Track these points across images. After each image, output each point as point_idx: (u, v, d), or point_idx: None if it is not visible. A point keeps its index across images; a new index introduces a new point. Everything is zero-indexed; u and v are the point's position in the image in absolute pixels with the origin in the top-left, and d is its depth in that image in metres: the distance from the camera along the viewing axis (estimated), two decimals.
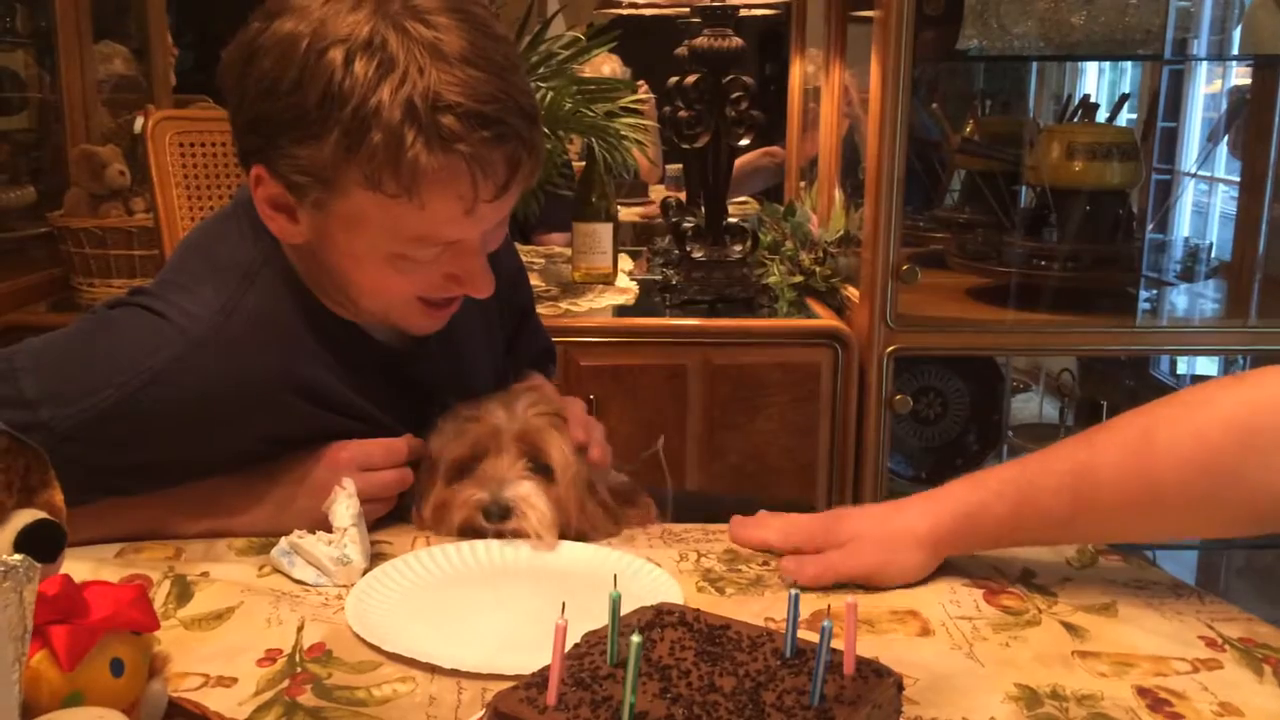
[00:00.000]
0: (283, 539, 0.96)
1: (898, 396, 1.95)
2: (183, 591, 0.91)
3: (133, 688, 0.58)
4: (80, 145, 2.17)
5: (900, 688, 0.65)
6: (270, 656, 0.81)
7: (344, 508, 0.95)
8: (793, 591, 0.65)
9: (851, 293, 2.08)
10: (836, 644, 0.64)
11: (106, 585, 0.60)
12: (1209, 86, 2.91)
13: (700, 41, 1.99)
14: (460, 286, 1.01)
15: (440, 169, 0.90)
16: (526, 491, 1.01)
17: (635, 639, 0.57)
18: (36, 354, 0.99)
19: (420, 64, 0.89)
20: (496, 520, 1.00)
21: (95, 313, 1.05)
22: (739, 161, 2.36)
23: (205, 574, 0.94)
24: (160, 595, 0.90)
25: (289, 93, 0.90)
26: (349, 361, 1.06)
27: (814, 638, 0.63)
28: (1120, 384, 2.44)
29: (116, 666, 0.57)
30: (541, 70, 1.98)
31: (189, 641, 0.83)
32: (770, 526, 1.02)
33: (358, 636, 0.83)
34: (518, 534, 1.01)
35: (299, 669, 0.79)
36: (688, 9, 2.05)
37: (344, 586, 0.92)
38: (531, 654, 0.69)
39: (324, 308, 1.05)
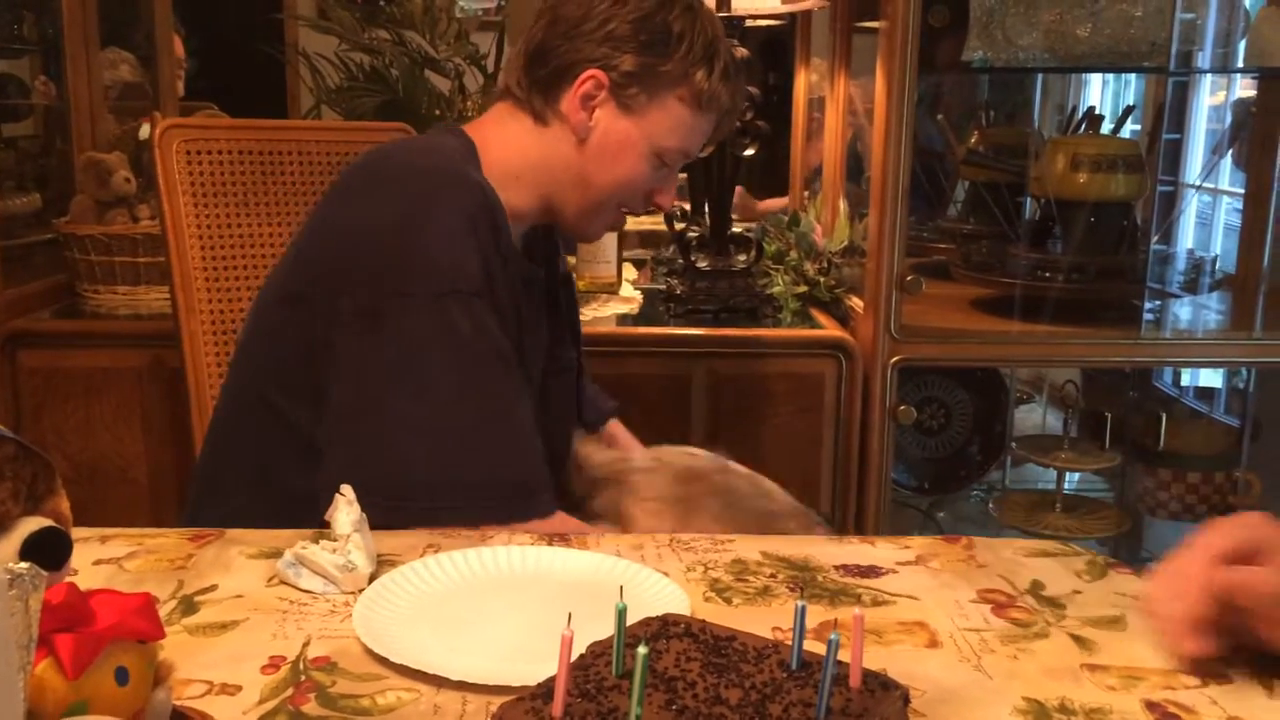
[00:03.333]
0: (287, 551, 0.96)
1: (901, 407, 1.94)
2: (188, 609, 0.90)
3: (137, 696, 0.58)
4: (86, 152, 2.17)
5: (907, 701, 0.64)
6: (274, 664, 0.81)
7: (344, 515, 0.95)
8: (799, 603, 0.64)
9: (856, 303, 2.08)
10: (843, 656, 0.63)
11: (112, 593, 0.59)
12: (1213, 99, 2.91)
13: None
14: (661, 196, 1.35)
15: (722, 99, 1.30)
16: None
17: (641, 650, 0.57)
18: (388, 257, 1.16)
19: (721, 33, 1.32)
20: None
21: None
22: None
23: (214, 586, 0.94)
24: (165, 609, 0.90)
25: (659, 25, 1.26)
26: (512, 259, 1.25)
27: (821, 649, 0.62)
28: (1124, 395, 2.44)
29: (121, 675, 0.57)
30: None
31: (193, 648, 0.83)
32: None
33: (364, 646, 0.83)
34: None
35: (303, 677, 0.79)
36: None
37: (351, 593, 0.92)
38: (538, 664, 0.69)
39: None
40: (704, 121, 1.30)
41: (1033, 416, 2.84)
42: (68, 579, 0.61)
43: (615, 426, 1.60)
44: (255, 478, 1.23)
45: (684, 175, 3.28)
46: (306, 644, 0.84)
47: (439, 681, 0.78)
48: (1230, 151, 2.62)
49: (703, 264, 2.07)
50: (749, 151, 2.03)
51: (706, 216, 2.12)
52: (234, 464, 1.27)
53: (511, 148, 1.29)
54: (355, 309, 1.14)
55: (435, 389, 1.14)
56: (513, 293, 1.23)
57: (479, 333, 1.15)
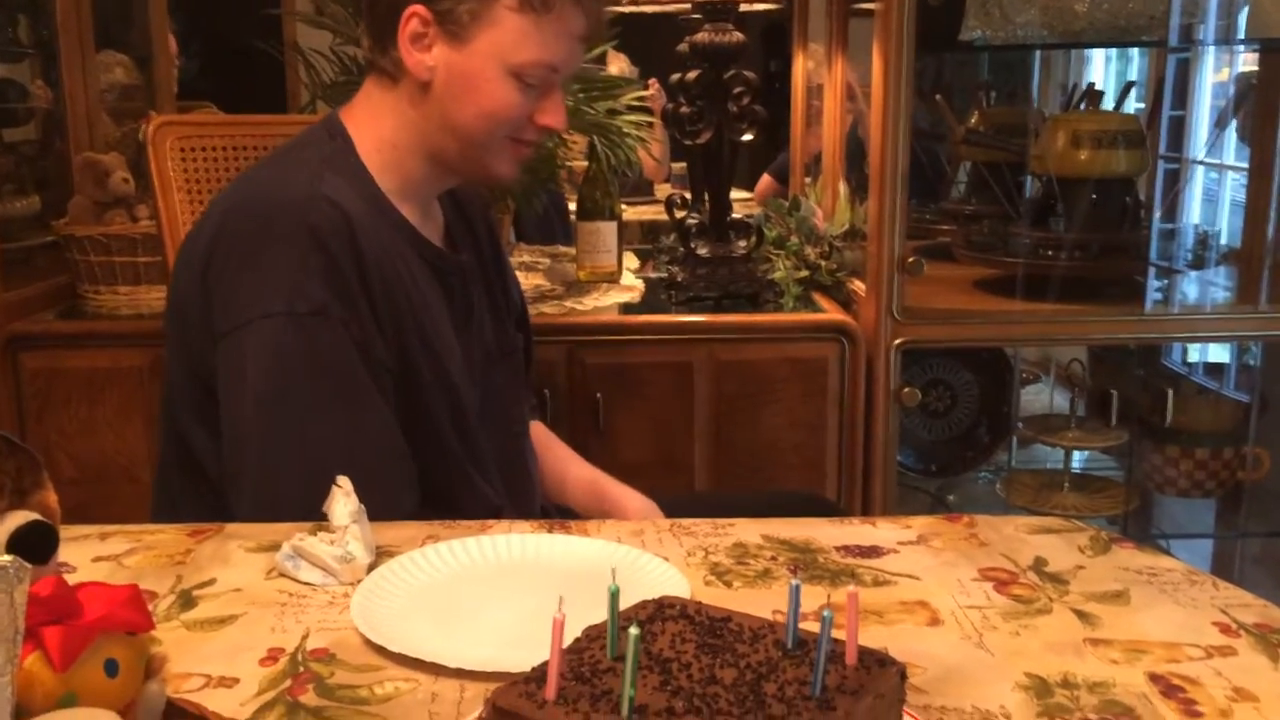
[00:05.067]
0: (285, 544, 0.96)
1: (906, 390, 1.93)
2: (186, 603, 0.90)
3: (128, 688, 0.58)
4: (84, 153, 2.17)
5: (904, 677, 0.64)
6: (272, 656, 0.80)
7: (342, 506, 0.95)
8: (794, 582, 0.64)
9: (858, 286, 2.07)
10: (840, 634, 0.63)
11: (100, 586, 0.59)
12: (1216, 74, 2.89)
13: (701, 37, 1.98)
14: (545, 116, 1.22)
15: (564, 1, 1.17)
16: None
17: (634, 631, 0.57)
18: (243, 288, 1.14)
19: None
20: None
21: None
22: None
23: (212, 580, 0.94)
24: (163, 605, 0.89)
25: None
26: (412, 257, 1.21)
27: (817, 629, 0.62)
28: (1131, 373, 2.43)
29: (111, 667, 0.57)
30: None
31: (191, 643, 0.83)
32: None
33: (363, 637, 0.82)
34: None
35: (301, 668, 0.79)
36: (689, 5, 2.04)
37: (350, 584, 0.92)
38: (536, 651, 0.68)
39: (389, 204, 1.22)
40: (551, 24, 1.17)
41: (1039, 397, 2.82)
42: (65, 576, 0.60)
43: (537, 429, 1.52)
44: (212, 501, 1.19)
45: (683, 164, 3.28)
46: (305, 636, 0.84)
47: (437, 670, 0.78)
48: (1234, 125, 2.60)
49: (703, 251, 2.06)
50: (747, 137, 2.02)
51: (706, 203, 2.11)
52: (185, 482, 1.25)
53: (381, 120, 1.23)
54: (212, 350, 1.15)
55: (266, 411, 1.12)
56: (409, 293, 1.19)
57: (311, 353, 1.12)
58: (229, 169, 1.56)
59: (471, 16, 1.16)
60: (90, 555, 0.98)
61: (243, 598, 0.91)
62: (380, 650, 0.80)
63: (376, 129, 1.23)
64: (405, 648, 0.80)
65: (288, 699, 0.75)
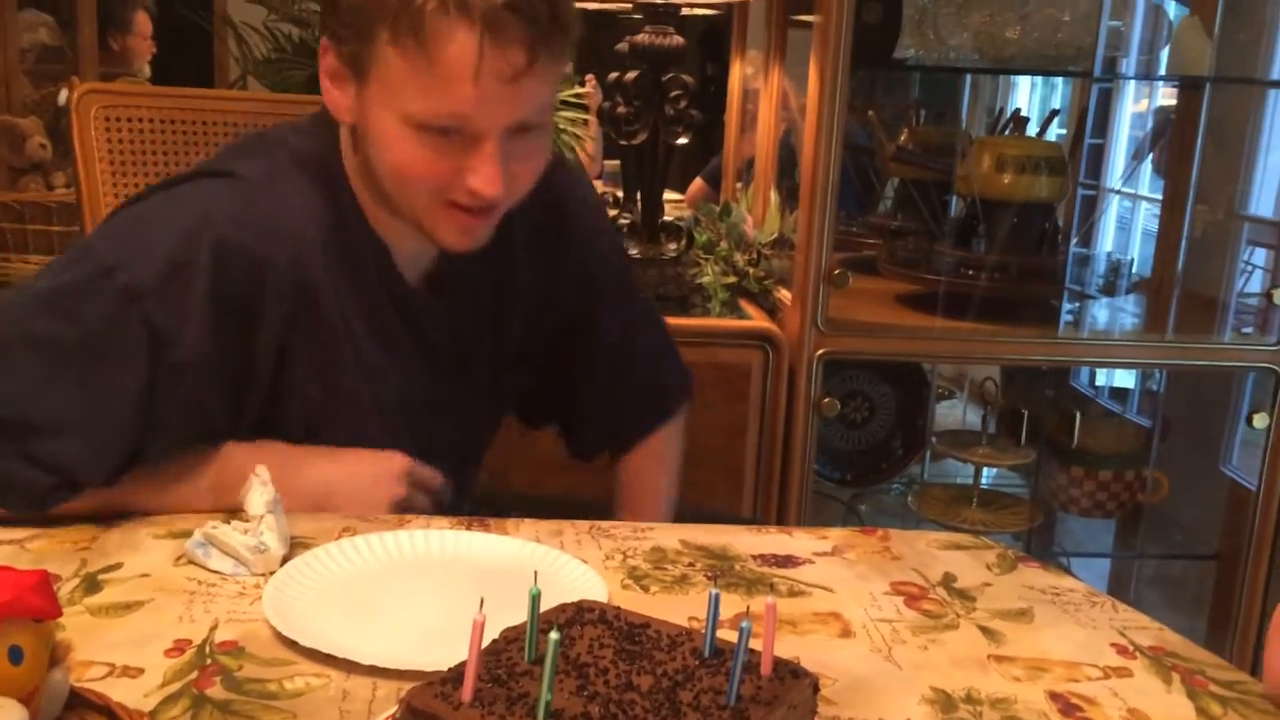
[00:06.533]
0: (196, 531, 0.94)
1: (825, 400, 1.96)
2: (91, 587, 0.88)
3: (32, 676, 0.56)
4: None
5: (816, 689, 0.65)
6: (179, 647, 0.79)
7: (258, 495, 0.93)
8: (712, 591, 0.65)
9: (784, 295, 2.09)
10: (756, 644, 0.64)
11: (6, 570, 0.57)
12: (1136, 105, 2.98)
13: (641, 38, 1.98)
14: (470, 177, 1.00)
15: (450, 27, 0.94)
16: None
17: (553, 636, 0.57)
18: (109, 227, 1.08)
19: None
20: None
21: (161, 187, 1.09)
22: None
23: (119, 565, 0.91)
24: (66, 588, 0.87)
25: None
26: (370, 283, 1.10)
27: (735, 638, 0.63)
28: (1041, 393, 2.49)
29: (15, 654, 0.55)
30: None
31: (95, 629, 0.81)
32: None
33: (273, 630, 0.81)
34: None
35: (209, 660, 0.77)
36: (630, 5, 2.04)
37: (262, 575, 0.90)
38: (451, 649, 0.68)
39: (363, 219, 1.10)
40: (440, 68, 0.95)
41: (953, 412, 2.88)
42: None
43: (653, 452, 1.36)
44: None
45: (615, 162, 3.28)
46: (214, 627, 0.82)
47: (349, 666, 0.77)
48: (1150, 157, 2.68)
49: (633, 251, 2.07)
50: (682, 140, 2.03)
51: (638, 204, 2.12)
52: None
53: (354, 167, 1.10)
54: None
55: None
56: (334, 332, 1.08)
57: (71, 313, 0.99)
58: (156, 141, 1.52)
59: (362, 51, 0.99)
60: None
61: (150, 584, 0.89)
62: (291, 644, 0.79)
63: (350, 163, 1.10)
64: (317, 643, 0.79)
65: (194, 691, 0.73)
